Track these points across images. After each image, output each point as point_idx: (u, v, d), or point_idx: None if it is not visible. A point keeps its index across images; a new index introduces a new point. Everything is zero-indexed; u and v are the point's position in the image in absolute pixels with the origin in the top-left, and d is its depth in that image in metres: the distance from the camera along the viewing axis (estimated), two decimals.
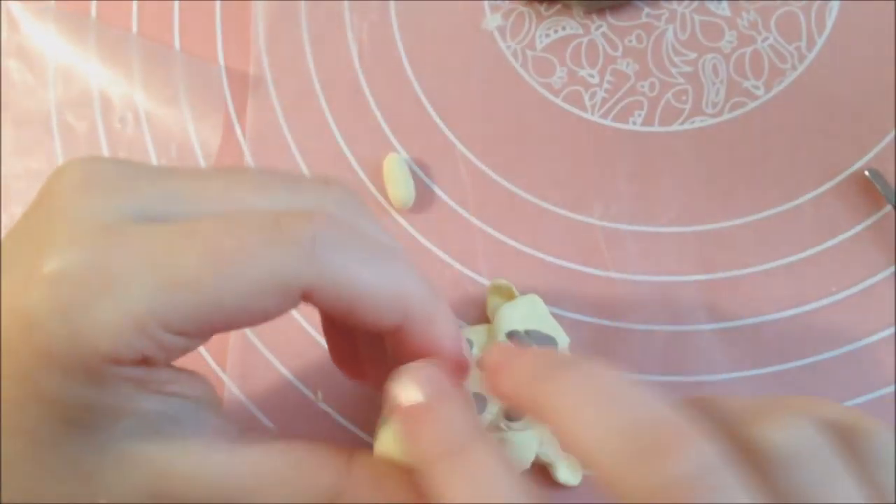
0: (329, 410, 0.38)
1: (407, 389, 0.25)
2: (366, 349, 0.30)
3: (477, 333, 0.36)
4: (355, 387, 0.37)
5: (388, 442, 0.29)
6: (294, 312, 0.39)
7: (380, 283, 0.24)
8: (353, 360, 0.31)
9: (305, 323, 0.39)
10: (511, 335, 0.35)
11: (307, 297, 0.24)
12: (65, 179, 0.24)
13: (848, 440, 0.21)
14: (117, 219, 0.23)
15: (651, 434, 0.20)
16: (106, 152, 0.42)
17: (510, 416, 0.33)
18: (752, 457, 0.20)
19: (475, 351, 0.35)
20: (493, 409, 0.32)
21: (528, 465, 0.34)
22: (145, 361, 0.23)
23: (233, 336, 0.38)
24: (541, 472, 0.36)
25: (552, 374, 0.22)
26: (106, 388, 0.23)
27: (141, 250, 0.23)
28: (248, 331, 0.39)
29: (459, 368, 0.27)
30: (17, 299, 0.22)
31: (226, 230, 0.23)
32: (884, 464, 0.20)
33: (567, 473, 0.36)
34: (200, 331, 0.23)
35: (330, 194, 0.26)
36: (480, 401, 0.33)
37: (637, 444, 0.20)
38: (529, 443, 0.33)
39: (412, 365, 0.25)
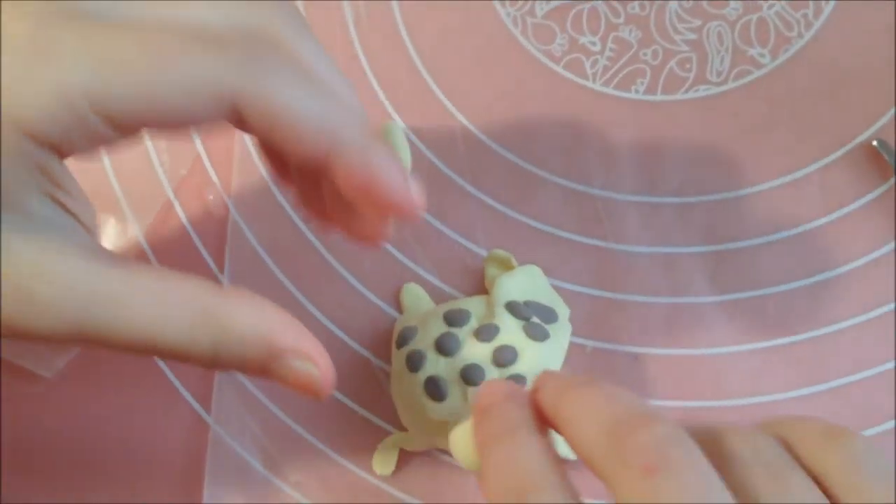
0: None
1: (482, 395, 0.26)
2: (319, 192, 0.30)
3: (475, 304, 0.35)
4: (347, 359, 0.37)
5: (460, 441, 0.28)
6: (285, 280, 0.38)
7: (304, 105, 0.24)
8: (313, 202, 0.30)
9: (295, 291, 0.38)
10: (510, 306, 0.34)
11: (235, 113, 0.24)
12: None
13: (816, 448, 0.23)
14: (60, 8, 0.23)
15: (626, 422, 0.22)
16: None
17: None
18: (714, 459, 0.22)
19: (473, 322, 0.34)
20: None
21: None
22: (59, 147, 0.23)
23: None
24: None
25: (569, 389, 0.24)
26: (5, 163, 0.22)
27: (82, 33, 0.23)
28: None
29: (409, 206, 0.26)
30: None
31: (169, 32, 0.23)
32: (861, 465, 0.22)
33: (566, 445, 0.35)
34: (126, 121, 0.23)
35: (280, 12, 0.26)
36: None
37: (614, 431, 0.22)
38: None
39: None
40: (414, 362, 0.33)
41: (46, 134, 0.22)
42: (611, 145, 0.39)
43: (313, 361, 0.26)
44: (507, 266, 0.37)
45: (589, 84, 0.40)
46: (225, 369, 0.26)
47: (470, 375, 0.32)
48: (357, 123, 0.25)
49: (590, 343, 0.37)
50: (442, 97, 0.40)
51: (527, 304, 0.34)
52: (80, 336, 0.24)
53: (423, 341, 0.34)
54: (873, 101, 0.39)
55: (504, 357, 0.32)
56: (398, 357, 0.34)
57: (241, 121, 0.24)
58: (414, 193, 0.26)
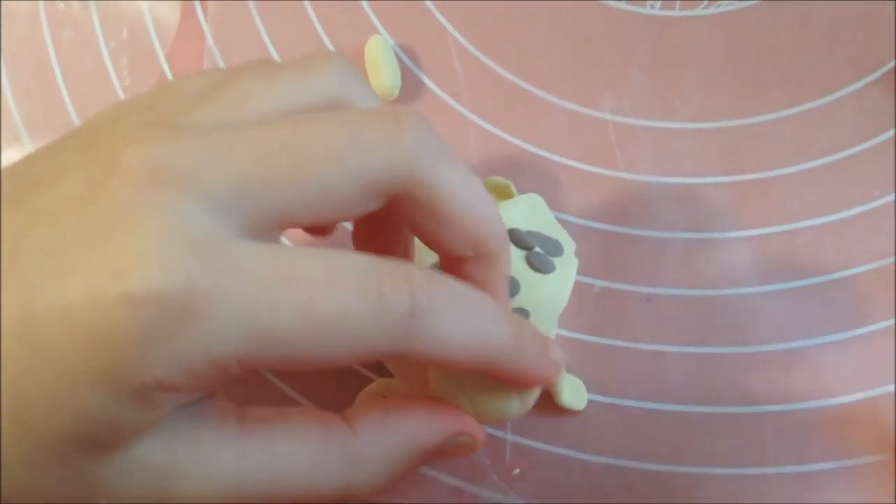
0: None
1: None
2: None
3: None
4: None
5: (451, 397, 0.27)
6: None
7: (466, 331, 0.23)
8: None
9: None
10: (511, 233, 0.30)
11: (392, 201, 0.23)
12: (122, 163, 0.21)
13: None
14: (205, 231, 0.21)
15: None
16: (47, 34, 0.37)
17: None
18: None
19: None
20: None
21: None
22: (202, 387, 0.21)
23: None
24: (544, 395, 0.31)
25: None
26: (146, 411, 0.21)
27: (235, 282, 0.20)
28: None
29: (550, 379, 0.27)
30: (82, 314, 0.19)
31: (328, 279, 0.21)
32: None
33: (571, 396, 0.31)
34: (270, 369, 0.24)
35: (347, 75, 0.25)
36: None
37: None
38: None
39: None
40: None
41: (188, 387, 0.21)
42: (623, 66, 0.35)
43: (464, 434, 0.26)
44: (505, 194, 0.33)
45: None
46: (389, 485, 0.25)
47: None
48: (511, 330, 0.24)
49: (598, 282, 0.33)
50: (435, 10, 0.36)
51: (529, 233, 0.31)
52: None
53: None
54: None
55: None
56: None
57: (395, 209, 0.23)
58: (557, 367, 0.26)
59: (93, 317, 0.19)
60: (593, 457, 0.31)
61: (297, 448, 0.24)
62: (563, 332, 0.32)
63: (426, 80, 0.35)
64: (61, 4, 0.37)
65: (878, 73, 0.35)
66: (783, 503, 0.30)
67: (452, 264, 0.26)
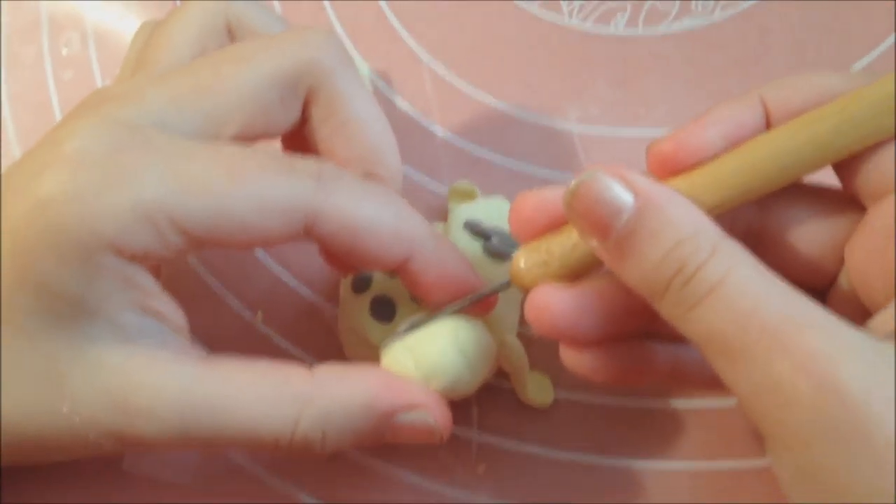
0: (270, 333, 0.33)
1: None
2: None
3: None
4: (297, 307, 0.33)
5: (394, 358, 0.27)
6: None
7: (382, 218, 0.25)
8: None
9: None
10: (469, 224, 0.31)
11: (311, 228, 0.24)
12: (82, 102, 0.26)
13: None
14: (137, 121, 0.24)
15: None
16: (50, 77, 0.39)
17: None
18: None
19: None
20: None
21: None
22: (142, 259, 0.23)
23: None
24: (510, 393, 0.31)
25: None
26: (96, 281, 0.23)
27: (161, 149, 0.23)
28: None
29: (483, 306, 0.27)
30: (34, 183, 0.23)
31: (244, 153, 0.24)
32: None
33: (537, 393, 0.31)
34: (204, 236, 0.24)
35: (327, 48, 0.27)
36: None
37: None
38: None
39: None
40: (359, 284, 0.30)
41: (130, 247, 0.23)
42: (590, 83, 0.36)
43: (424, 409, 0.25)
44: (471, 198, 0.33)
45: (565, 21, 0.37)
46: (340, 448, 0.25)
47: None
48: (427, 226, 0.26)
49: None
50: (408, 39, 0.38)
51: (490, 228, 0.31)
52: (187, 441, 0.24)
53: None
54: (871, 28, 0.36)
55: None
56: (345, 285, 0.31)
57: (315, 236, 0.25)
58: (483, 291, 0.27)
59: (40, 182, 0.23)
60: (560, 453, 0.30)
61: (252, 381, 0.25)
62: (527, 330, 0.32)
63: (399, 101, 0.37)
64: (64, 49, 0.40)
65: None
66: (755, 502, 0.29)
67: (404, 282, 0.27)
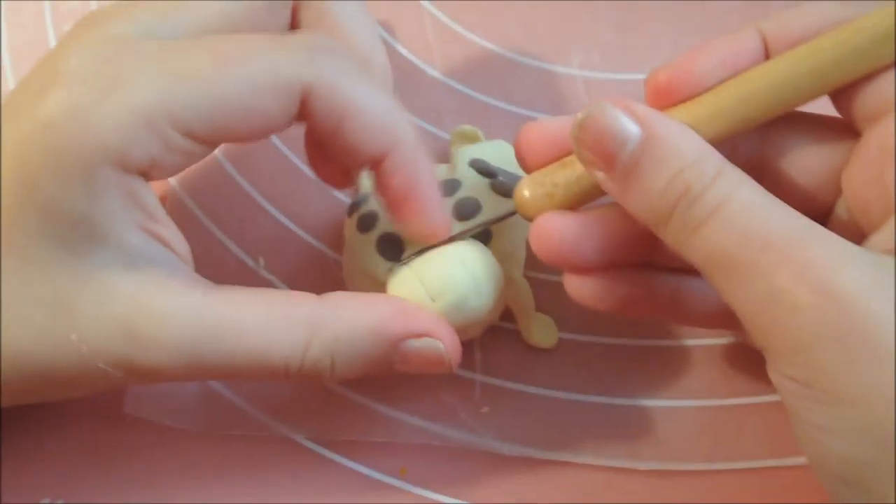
0: (272, 279, 0.33)
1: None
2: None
3: (437, 170, 0.31)
4: (300, 252, 0.33)
5: (400, 281, 0.27)
6: (235, 174, 0.35)
7: (374, 101, 0.24)
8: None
9: (246, 184, 0.34)
10: (475, 163, 0.30)
11: (304, 103, 0.24)
12: (74, 25, 0.25)
13: None
14: (126, 34, 0.24)
15: None
16: (51, 31, 0.39)
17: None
18: None
19: None
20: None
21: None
22: (147, 172, 0.23)
23: (168, 200, 0.34)
24: (515, 334, 0.31)
25: None
26: (100, 198, 0.23)
27: (150, 53, 0.23)
28: (184, 194, 0.34)
29: (437, 224, 0.27)
30: (32, 105, 0.23)
31: (231, 39, 0.24)
32: None
33: (541, 335, 0.31)
34: (206, 130, 0.23)
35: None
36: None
37: None
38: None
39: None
40: (366, 222, 0.29)
41: (134, 159, 0.23)
42: (590, 24, 0.36)
43: (434, 336, 0.25)
44: (474, 142, 0.33)
45: None
46: (351, 375, 0.25)
47: None
48: (411, 125, 0.26)
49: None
50: None
51: (496, 167, 0.31)
52: (197, 370, 0.24)
53: (377, 203, 0.30)
54: None
55: (465, 209, 0.29)
56: (350, 226, 0.30)
57: (307, 115, 0.24)
58: (441, 215, 0.27)
59: (40, 104, 0.23)
60: (564, 393, 0.30)
61: (262, 307, 0.25)
62: (535, 273, 0.32)
63: (401, 48, 0.36)
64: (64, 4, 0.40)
65: None
66: (759, 432, 0.29)
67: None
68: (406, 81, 0.36)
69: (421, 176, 0.26)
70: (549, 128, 0.25)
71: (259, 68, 0.23)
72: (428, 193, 0.26)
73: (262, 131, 0.24)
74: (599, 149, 0.23)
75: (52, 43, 0.39)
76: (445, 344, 0.25)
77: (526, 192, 0.25)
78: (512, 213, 0.26)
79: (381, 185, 0.26)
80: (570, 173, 0.25)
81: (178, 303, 0.24)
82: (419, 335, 0.25)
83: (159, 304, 0.24)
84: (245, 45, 0.24)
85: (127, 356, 0.24)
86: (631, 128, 0.22)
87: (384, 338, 0.25)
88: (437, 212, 0.26)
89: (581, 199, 0.25)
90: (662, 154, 0.22)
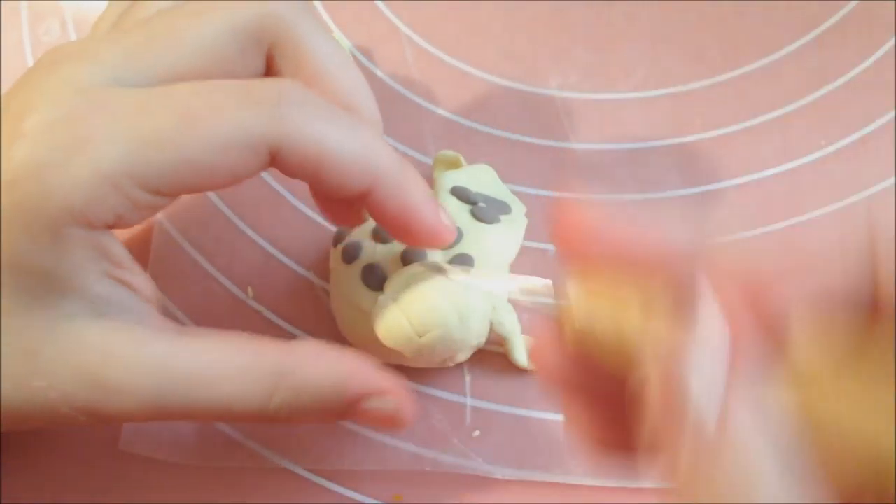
0: (261, 309, 0.33)
1: None
2: None
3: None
4: (288, 282, 0.34)
5: (386, 317, 0.27)
6: (222, 206, 0.35)
7: (346, 143, 0.24)
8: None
9: (233, 215, 0.35)
10: (456, 190, 0.31)
11: (275, 158, 0.24)
12: (39, 61, 0.25)
13: None
14: (92, 83, 0.24)
15: None
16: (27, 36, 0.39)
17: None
18: None
19: None
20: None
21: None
22: (115, 224, 0.24)
23: (155, 232, 0.34)
24: (501, 358, 0.31)
25: None
26: (67, 253, 0.23)
27: (115, 110, 0.23)
28: (170, 226, 0.35)
29: (442, 234, 0.27)
30: (2, 167, 0.23)
31: (197, 93, 0.24)
32: None
33: (528, 356, 0.31)
34: (171, 188, 0.24)
35: (293, 10, 0.26)
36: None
37: None
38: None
39: None
40: (350, 253, 0.30)
41: (99, 217, 0.23)
42: (566, 46, 0.36)
43: (391, 396, 0.26)
44: (455, 166, 0.34)
45: None
46: (304, 422, 0.26)
47: (410, 258, 0.29)
48: (393, 154, 0.26)
49: (553, 248, 0.33)
50: (387, 13, 0.38)
51: (477, 193, 0.31)
52: (158, 414, 0.24)
53: (360, 233, 0.30)
54: None
55: None
56: (335, 256, 0.31)
57: (280, 166, 0.24)
58: (444, 224, 0.26)
59: (5, 161, 0.23)
60: (553, 415, 0.31)
61: (228, 355, 0.25)
62: (520, 296, 0.32)
63: (380, 74, 0.37)
64: (44, 38, 0.40)
65: (818, 32, 0.35)
66: None
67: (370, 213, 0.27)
68: (386, 106, 0.35)
69: (410, 200, 0.26)
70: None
71: (225, 127, 0.23)
72: (422, 213, 0.26)
73: (229, 183, 0.25)
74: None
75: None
76: (400, 405, 0.26)
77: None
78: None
79: (375, 216, 0.27)
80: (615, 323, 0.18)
81: (144, 352, 0.24)
82: (377, 395, 0.26)
83: (125, 353, 0.24)
84: (211, 101, 0.24)
85: (93, 403, 0.24)
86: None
87: (344, 395, 0.25)
88: (436, 227, 0.26)
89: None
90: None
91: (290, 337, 0.33)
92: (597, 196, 0.34)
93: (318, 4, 0.38)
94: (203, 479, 0.31)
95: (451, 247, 0.29)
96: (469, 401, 0.31)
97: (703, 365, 0.16)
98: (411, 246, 0.28)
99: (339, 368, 0.25)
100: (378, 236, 0.30)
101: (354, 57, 0.37)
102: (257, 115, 0.24)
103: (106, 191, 0.23)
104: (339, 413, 0.26)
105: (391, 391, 0.26)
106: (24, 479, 0.30)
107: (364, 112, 0.27)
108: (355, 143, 0.25)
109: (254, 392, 0.24)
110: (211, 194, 0.35)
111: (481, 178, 0.33)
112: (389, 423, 0.26)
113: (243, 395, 0.24)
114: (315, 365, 0.25)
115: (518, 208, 0.32)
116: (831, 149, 0.33)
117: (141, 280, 0.25)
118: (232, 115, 0.23)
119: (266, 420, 0.25)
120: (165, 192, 0.24)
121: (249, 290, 0.33)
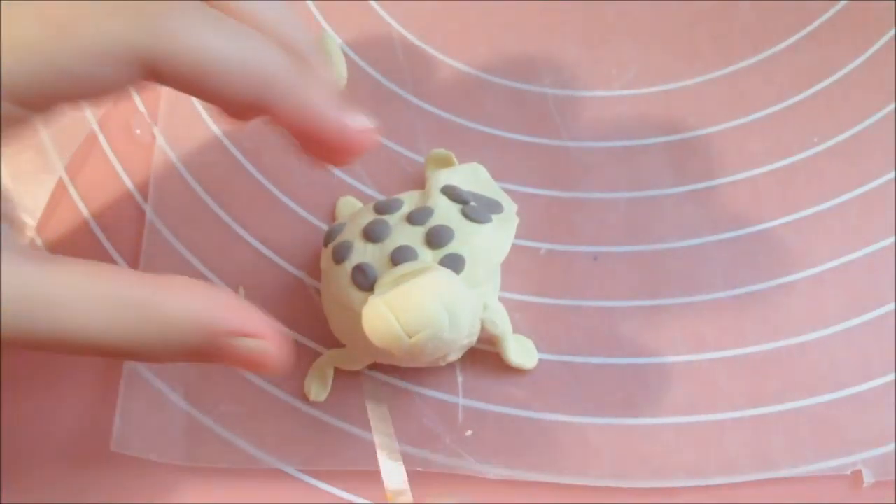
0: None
1: None
2: None
3: (409, 195, 0.31)
4: (279, 281, 0.33)
5: (374, 315, 0.27)
6: (213, 205, 0.35)
7: (228, 51, 0.23)
8: None
9: (224, 215, 0.35)
10: (447, 189, 0.31)
11: (153, 71, 0.23)
12: None
13: None
14: None
15: None
16: None
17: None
18: None
19: (406, 209, 0.30)
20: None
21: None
22: None
23: (146, 231, 0.34)
24: (495, 357, 0.31)
25: None
26: None
27: None
28: (161, 226, 0.34)
29: (351, 137, 0.25)
30: None
31: (69, 3, 0.23)
32: None
33: (520, 356, 0.31)
34: (38, 99, 0.23)
35: None
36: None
37: None
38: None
39: None
40: (340, 253, 0.30)
41: None
42: (559, 43, 0.36)
43: (262, 338, 0.24)
44: (447, 164, 0.33)
45: None
46: (172, 360, 0.24)
47: (400, 257, 0.29)
48: (286, 61, 0.24)
49: (544, 245, 0.33)
50: (379, 10, 0.38)
51: (468, 192, 0.31)
52: (25, 341, 0.23)
53: (351, 232, 0.30)
54: None
55: (438, 237, 0.29)
56: (326, 256, 0.31)
57: (161, 79, 0.23)
58: (352, 127, 0.25)
59: None
60: (546, 414, 0.31)
61: (96, 283, 0.23)
62: (511, 295, 0.32)
63: (373, 72, 0.37)
64: None
65: (811, 28, 0.35)
66: (741, 446, 0.29)
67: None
68: (378, 104, 0.36)
69: (307, 103, 0.25)
70: None
71: (92, 35, 0.22)
72: (322, 117, 0.25)
73: (100, 95, 0.23)
74: None
75: None
76: (273, 347, 0.25)
77: None
78: None
79: (277, 130, 0.25)
80: None
81: (9, 272, 0.23)
82: (249, 335, 0.24)
83: None
84: (82, 9, 0.23)
85: None
86: None
87: (211, 331, 0.24)
88: (341, 130, 0.25)
89: None
90: None
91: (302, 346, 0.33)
92: (589, 194, 0.34)
93: (310, 3, 0.38)
94: (194, 480, 0.31)
95: (441, 246, 0.29)
96: (461, 400, 0.31)
97: None
98: (329, 163, 0.26)
99: (209, 304, 0.24)
100: (369, 236, 0.29)
101: (345, 54, 0.37)
102: (126, 24, 0.23)
103: None
104: (207, 350, 0.24)
105: (262, 334, 0.24)
106: (15, 481, 0.30)
107: (300, 44, 0.26)
108: (240, 51, 0.23)
109: (121, 323, 0.23)
110: (202, 193, 0.35)
111: (472, 177, 0.32)
112: (257, 365, 0.25)
113: (110, 326, 0.23)
114: (184, 297, 0.24)
115: (509, 207, 0.32)
116: (825, 146, 0.33)
117: (6, 205, 0.24)
118: (100, 24, 0.23)
119: (137, 355, 0.24)
120: (31, 103, 0.23)
121: (241, 289, 0.33)
